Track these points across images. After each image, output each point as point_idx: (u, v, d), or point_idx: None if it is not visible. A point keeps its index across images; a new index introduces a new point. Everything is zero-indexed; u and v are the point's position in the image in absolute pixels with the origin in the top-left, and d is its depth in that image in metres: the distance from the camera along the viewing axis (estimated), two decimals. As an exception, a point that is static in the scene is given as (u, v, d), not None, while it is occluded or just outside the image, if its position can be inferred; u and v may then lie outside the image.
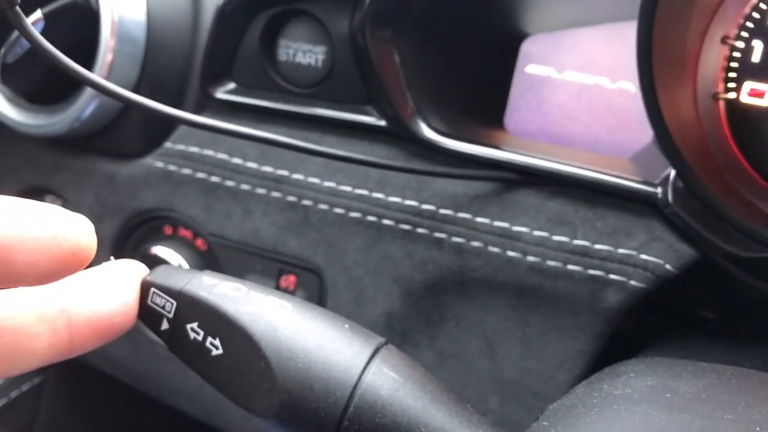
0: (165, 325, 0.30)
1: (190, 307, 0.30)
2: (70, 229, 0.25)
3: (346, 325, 0.30)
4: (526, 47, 0.57)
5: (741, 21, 0.49)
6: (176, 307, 0.30)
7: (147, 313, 0.31)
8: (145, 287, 0.31)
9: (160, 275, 0.31)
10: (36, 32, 0.36)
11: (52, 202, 0.66)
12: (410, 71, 0.56)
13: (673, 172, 0.49)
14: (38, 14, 0.54)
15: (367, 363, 0.29)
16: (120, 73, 0.59)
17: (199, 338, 0.30)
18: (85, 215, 0.27)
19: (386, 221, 0.56)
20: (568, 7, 0.56)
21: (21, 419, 0.80)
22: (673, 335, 0.51)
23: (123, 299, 0.30)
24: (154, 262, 0.62)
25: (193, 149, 0.62)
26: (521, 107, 0.57)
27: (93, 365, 0.75)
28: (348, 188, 0.57)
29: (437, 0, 0.56)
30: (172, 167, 0.62)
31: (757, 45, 0.48)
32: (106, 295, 0.30)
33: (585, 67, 0.55)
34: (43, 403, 0.82)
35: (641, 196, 0.49)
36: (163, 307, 0.30)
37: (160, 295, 0.30)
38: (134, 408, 0.87)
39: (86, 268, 0.27)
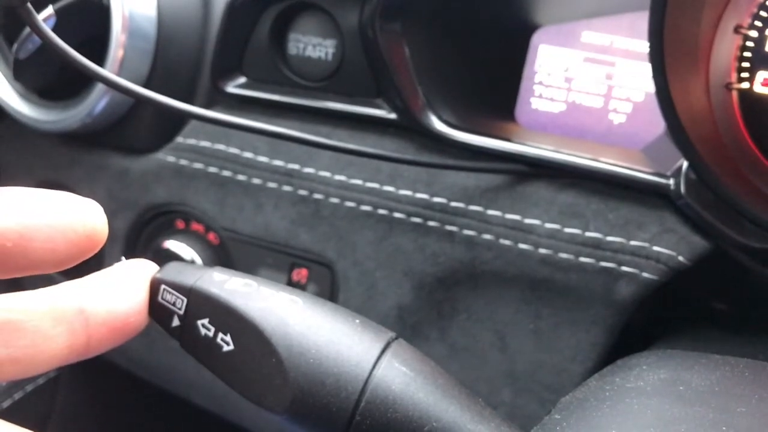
0: (176, 322, 0.30)
1: (201, 303, 0.30)
2: (84, 214, 0.26)
3: (357, 320, 0.30)
4: (537, 39, 0.56)
5: (754, 10, 0.48)
6: (187, 304, 0.30)
7: (157, 311, 0.31)
8: (156, 284, 0.31)
9: (170, 272, 0.31)
10: (47, 29, 0.36)
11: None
12: (420, 64, 0.56)
13: (685, 164, 0.48)
14: (49, 10, 0.54)
15: (378, 358, 0.29)
16: (131, 68, 0.59)
17: (210, 334, 0.30)
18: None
19: (397, 214, 0.56)
20: (579, -3, 0.55)
21: (37, 412, 0.81)
22: (685, 327, 0.51)
23: (137, 298, 0.30)
24: (166, 256, 0.62)
25: (205, 143, 0.62)
26: (532, 99, 0.57)
27: (108, 359, 0.75)
28: (359, 182, 0.57)
29: (447, -8, 0.56)
30: (183, 162, 0.62)
31: (771, 34, 0.48)
32: (120, 295, 0.30)
33: (596, 58, 0.55)
34: (58, 397, 0.83)
35: (653, 188, 0.49)
36: (173, 304, 0.30)
37: (170, 292, 0.30)
38: (149, 401, 0.87)
39: (101, 262, 0.28)
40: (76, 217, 0.26)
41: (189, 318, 0.30)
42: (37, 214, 0.25)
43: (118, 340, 0.30)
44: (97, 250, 0.27)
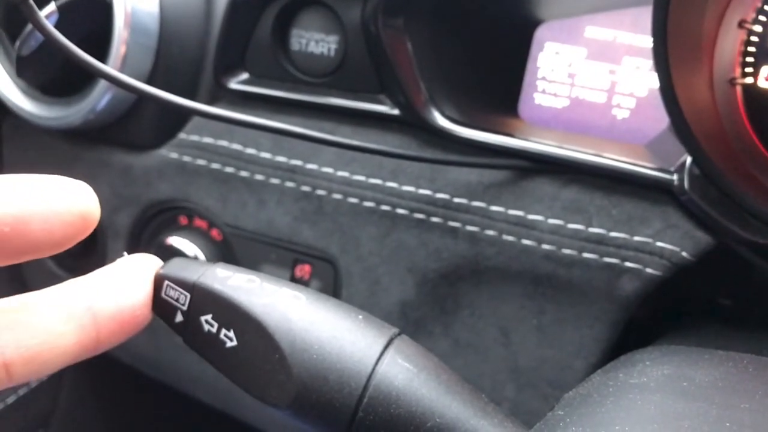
0: (179, 318, 0.30)
1: (204, 299, 0.30)
2: (76, 195, 0.27)
3: (360, 316, 0.30)
4: (540, 34, 0.56)
5: (759, 4, 0.48)
6: (190, 300, 0.30)
7: (161, 306, 0.31)
8: (159, 280, 0.31)
9: (174, 268, 0.31)
10: (49, 25, 0.36)
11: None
12: (423, 59, 0.55)
13: (689, 159, 0.48)
14: (52, 7, 0.54)
15: (381, 354, 0.29)
16: (134, 64, 0.59)
17: (214, 330, 0.30)
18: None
19: (400, 210, 0.56)
20: (582, -8, 0.55)
21: (41, 408, 0.81)
22: (689, 323, 0.51)
23: (142, 292, 0.30)
24: (169, 252, 0.62)
25: (207, 140, 0.62)
26: (535, 94, 0.57)
27: (111, 355, 0.75)
28: (362, 178, 0.57)
29: (450, -13, 0.56)
30: (186, 158, 0.62)
31: (775, 29, 0.48)
32: (126, 289, 0.30)
33: (599, 53, 0.55)
34: (61, 393, 0.83)
35: (657, 184, 0.49)
36: (177, 300, 0.30)
37: (173, 288, 0.31)
38: (152, 397, 0.87)
39: (104, 258, 0.28)
40: (69, 198, 0.27)
41: (192, 314, 0.30)
42: (33, 198, 0.26)
43: (125, 334, 0.30)
44: (90, 231, 0.28)
